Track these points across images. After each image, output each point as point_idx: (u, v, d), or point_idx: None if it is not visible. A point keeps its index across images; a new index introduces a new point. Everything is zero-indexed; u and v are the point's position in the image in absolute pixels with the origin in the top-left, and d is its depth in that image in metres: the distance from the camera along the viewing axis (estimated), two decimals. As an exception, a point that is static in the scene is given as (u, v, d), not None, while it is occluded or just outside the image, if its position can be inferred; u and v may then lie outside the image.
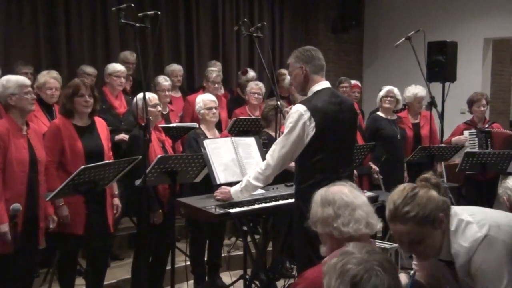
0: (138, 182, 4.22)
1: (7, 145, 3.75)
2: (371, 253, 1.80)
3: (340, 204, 2.28)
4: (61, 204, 4.04)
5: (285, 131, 3.42)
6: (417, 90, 6.27)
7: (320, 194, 2.36)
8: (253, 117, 6.05)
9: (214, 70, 6.59)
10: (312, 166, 3.41)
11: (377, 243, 2.52)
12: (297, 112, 3.37)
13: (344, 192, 2.32)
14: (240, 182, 3.65)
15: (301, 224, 3.39)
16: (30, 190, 3.86)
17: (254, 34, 4.97)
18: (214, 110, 4.94)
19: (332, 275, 1.79)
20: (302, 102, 3.45)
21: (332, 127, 3.41)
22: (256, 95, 6.30)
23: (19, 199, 3.71)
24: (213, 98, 5.04)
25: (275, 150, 3.44)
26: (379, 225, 2.34)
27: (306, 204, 3.19)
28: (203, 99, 4.96)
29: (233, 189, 3.68)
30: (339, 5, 9.59)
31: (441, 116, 5.98)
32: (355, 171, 5.46)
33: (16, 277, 3.76)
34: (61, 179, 3.89)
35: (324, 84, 3.52)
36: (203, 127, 4.95)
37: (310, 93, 3.50)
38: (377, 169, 5.98)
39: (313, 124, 3.34)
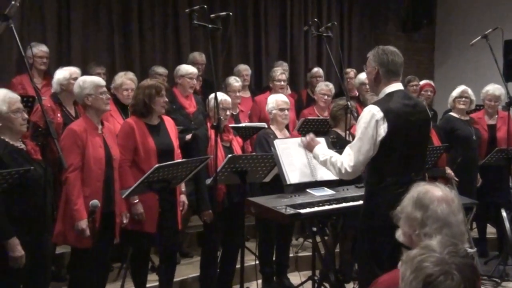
0: (209, 181, 4.29)
1: (84, 144, 3.89)
2: (452, 255, 1.72)
3: (431, 214, 2.14)
4: (136, 201, 4.13)
5: (359, 132, 3.34)
6: (489, 87, 6.04)
7: (418, 192, 2.21)
8: (321, 117, 6.01)
9: (278, 69, 6.60)
10: (383, 168, 3.34)
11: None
12: (370, 113, 3.30)
13: (442, 204, 2.15)
14: (326, 153, 3.57)
15: (368, 227, 3.34)
16: (107, 187, 3.98)
17: (324, 34, 4.94)
18: (286, 112, 4.95)
19: (408, 267, 1.74)
20: (374, 103, 3.38)
21: (405, 129, 3.34)
22: (325, 97, 6.26)
23: (96, 196, 3.82)
24: (286, 99, 5.05)
25: (351, 155, 3.35)
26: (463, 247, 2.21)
27: (376, 207, 3.12)
28: (276, 100, 4.96)
29: (318, 151, 3.66)
30: (410, 3, 9.38)
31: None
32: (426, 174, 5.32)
33: (93, 270, 3.88)
34: (135, 177, 4.01)
35: (397, 86, 3.43)
36: (273, 127, 4.95)
37: (382, 95, 3.43)
38: (453, 174, 5.80)
39: (385, 124, 3.27)
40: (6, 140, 3.48)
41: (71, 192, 3.82)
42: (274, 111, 4.92)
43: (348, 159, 3.36)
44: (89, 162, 3.90)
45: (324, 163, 3.57)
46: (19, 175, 3.19)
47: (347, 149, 3.41)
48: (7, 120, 3.47)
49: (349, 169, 3.36)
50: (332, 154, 3.53)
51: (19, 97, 3.56)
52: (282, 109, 4.91)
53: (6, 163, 3.36)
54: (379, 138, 3.28)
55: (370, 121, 3.29)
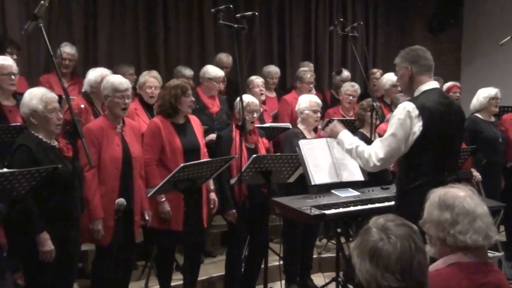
0: (233, 181, 4.30)
1: (100, 143, 3.93)
2: (387, 221, 1.89)
3: (459, 210, 2.15)
4: (162, 200, 4.17)
5: (392, 128, 3.30)
6: None
7: (438, 195, 2.22)
8: (347, 118, 5.98)
9: (308, 70, 6.59)
10: (417, 167, 3.30)
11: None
12: (405, 110, 3.26)
13: (466, 199, 2.18)
14: (352, 142, 3.49)
15: None
16: (124, 185, 4.00)
17: (350, 34, 4.92)
18: (318, 114, 4.95)
19: (355, 254, 1.89)
20: (410, 100, 3.35)
21: (440, 128, 3.29)
22: (351, 97, 6.26)
23: (112, 194, 3.88)
24: (319, 101, 5.06)
25: (382, 149, 3.31)
26: (495, 238, 2.19)
27: (410, 207, 3.07)
28: (310, 100, 4.96)
29: (344, 137, 3.56)
30: (437, 3, 9.26)
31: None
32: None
33: (114, 268, 3.91)
34: (161, 176, 4.02)
35: (432, 84, 3.40)
36: (301, 127, 4.94)
37: (417, 93, 3.39)
38: (479, 177, 5.72)
39: (420, 122, 3.23)
40: (40, 137, 3.57)
41: (88, 191, 3.87)
42: (306, 111, 4.92)
43: (377, 152, 3.32)
44: (105, 160, 3.94)
45: (349, 152, 3.51)
46: (47, 173, 3.24)
47: (377, 142, 3.37)
48: (42, 119, 3.56)
49: (377, 163, 3.32)
50: (358, 143, 3.47)
51: (56, 97, 3.63)
52: (315, 111, 4.91)
53: (39, 159, 3.44)
54: (414, 136, 3.25)
55: (405, 118, 3.25)
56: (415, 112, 3.24)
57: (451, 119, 3.38)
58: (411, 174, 3.32)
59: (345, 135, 3.58)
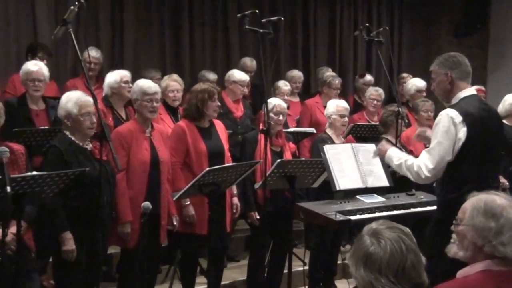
0: (257, 185, 4.30)
1: (129, 146, 3.97)
2: (379, 225, 1.96)
3: (506, 222, 2.09)
4: (187, 203, 4.18)
5: (437, 136, 3.27)
6: None
7: (484, 202, 2.15)
8: (372, 123, 5.95)
9: (336, 76, 6.59)
10: (461, 175, 3.26)
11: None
12: (448, 117, 3.24)
13: None
14: (401, 157, 3.46)
15: (442, 238, 3.23)
16: (151, 189, 4.03)
17: (376, 39, 4.89)
18: (346, 118, 4.95)
19: (352, 263, 1.95)
20: (451, 107, 3.33)
21: (482, 134, 3.27)
22: (375, 102, 6.23)
23: (139, 198, 3.90)
24: (347, 106, 5.06)
25: (430, 159, 3.26)
26: None
27: (453, 216, 3.01)
28: (337, 105, 4.96)
29: (392, 153, 3.54)
30: (463, 8, 9.16)
31: None
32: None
33: (140, 271, 3.94)
34: (186, 179, 4.05)
35: (471, 90, 3.39)
36: (330, 132, 4.93)
37: (455, 100, 3.37)
38: (507, 184, 5.63)
39: (464, 129, 3.21)
40: (73, 139, 3.67)
41: (117, 193, 3.90)
42: (333, 116, 4.91)
43: (427, 163, 3.28)
44: (134, 164, 3.98)
45: (399, 167, 3.47)
46: (75, 176, 3.30)
47: (425, 154, 3.34)
48: (76, 122, 3.65)
49: (428, 174, 3.28)
50: (407, 157, 3.45)
51: (91, 101, 3.65)
52: (342, 116, 4.91)
53: (67, 160, 3.55)
54: (460, 143, 3.23)
55: (449, 125, 3.24)
56: (458, 118, 3.22)
57: (492, 125, 3.37)
58: (455, 182, 3.28)
59: (394, 151, 3.57)
